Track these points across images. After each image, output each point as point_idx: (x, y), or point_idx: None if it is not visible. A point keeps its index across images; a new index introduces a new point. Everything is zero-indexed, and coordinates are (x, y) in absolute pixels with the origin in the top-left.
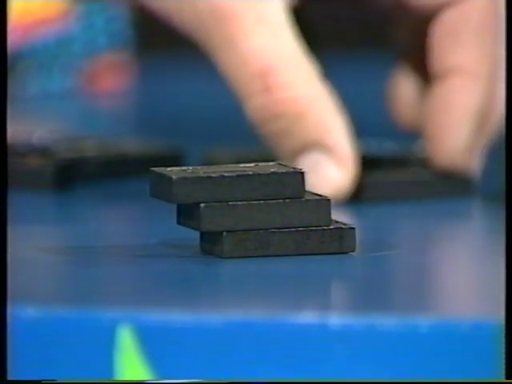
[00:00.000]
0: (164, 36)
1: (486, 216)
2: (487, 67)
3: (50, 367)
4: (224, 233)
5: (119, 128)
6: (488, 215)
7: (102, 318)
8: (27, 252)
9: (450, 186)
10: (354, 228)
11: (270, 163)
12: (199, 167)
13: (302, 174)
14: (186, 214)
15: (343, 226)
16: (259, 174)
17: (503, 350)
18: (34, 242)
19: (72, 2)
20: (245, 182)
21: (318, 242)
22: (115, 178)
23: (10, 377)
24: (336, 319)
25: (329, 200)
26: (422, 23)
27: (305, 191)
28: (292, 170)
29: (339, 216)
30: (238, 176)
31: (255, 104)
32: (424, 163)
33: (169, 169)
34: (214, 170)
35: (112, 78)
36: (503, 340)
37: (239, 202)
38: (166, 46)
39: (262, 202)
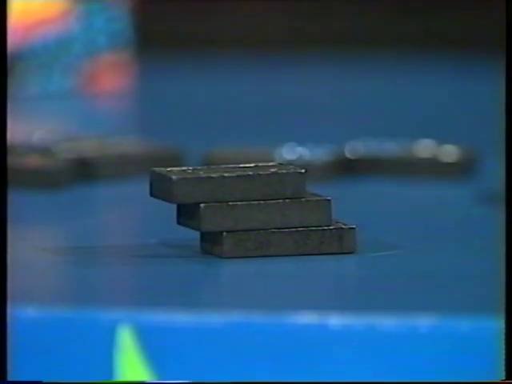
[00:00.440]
0: (164, 36)
1: (486, 216)
2: None
3: (50, 367)
4: (224, 233)
5: (119, 128)
6: (488, 215)
7: (102, 318)
8: (27, 252)
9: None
10: (354, 228)
11: (270, 163)
12: (199, 167)
13: (302, 173)
14: (186, 214)
15: (343, 226)
16: (259, 174)
17: (503, 350)
18: (34, 241)
19: (72, 2)
20: (245, 182)
21: (317, 242)
22: (115, 178)
23: (10, 377)
24: (336, 319)
25: (329, 200)
26: None
27: (305, 191)
28: (292, 170)
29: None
30: (238, 176)
31: None
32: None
33: (169, 169)
34: (214, 170)
35: (112, 78)
36: (503, 340)
37: (239, 202)
38: (166, 46)
39: (262, 202)
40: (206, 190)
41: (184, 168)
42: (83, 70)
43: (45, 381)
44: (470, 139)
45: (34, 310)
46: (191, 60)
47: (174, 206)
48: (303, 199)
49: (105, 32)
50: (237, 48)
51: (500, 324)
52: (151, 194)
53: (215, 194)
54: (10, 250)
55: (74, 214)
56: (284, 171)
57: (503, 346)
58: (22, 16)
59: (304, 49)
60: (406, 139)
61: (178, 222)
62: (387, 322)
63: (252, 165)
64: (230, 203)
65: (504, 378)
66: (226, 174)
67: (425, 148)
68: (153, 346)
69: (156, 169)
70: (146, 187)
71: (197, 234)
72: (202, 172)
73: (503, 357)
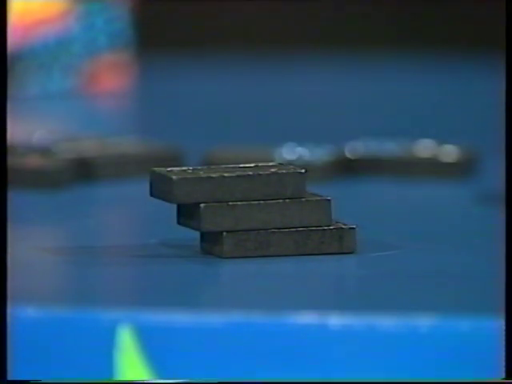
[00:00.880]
0: (164, 36)
1: (486, 216)
2: None
3: (50, 367)
4: (224, 233)
5: (119, 128)
6: (488, 215)
7: (101, 318)
8: (27, 252)
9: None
10: (354, 228)
11: (270, 163)
12: (199, 167)
13: (302, 173)
14: (186, 214)
15: (343, 226)
16: (259, 174)
17: (503, 350)
18: (34, 241)
19: (72, 2)
20: (245, 182)
21: (317, 242)
22: (115, 178)
23: (10, 377)
24: (336, 319)
25: (329, 200)
26: None
27: (305, 191)
28: (292, 170)
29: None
30: (238, 176)
31: None
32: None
33: (169, 169)
34: (214, 170)
35: (112, 78)
36: (503, 340)
37: (239, 202)
38: (166, 46)
39: (262, 202)
40: (205, 190)
41: (184, 168)
42: (83, 70)
43: (45, 380)
44: (470, 139)
45: (34, 310)
46: (191, 60)
47: (174, 206)
48: (303, 199)
49: (105, 32)
50: (237, 48)
51: (500, 324)
52: (151, 194)
53: (215, 194)
54: (10, 250)
55: (74, 213)
56: (284, 171)
57: (503, 346)
58: (22, 16)
59: (304, 49)
60: (406, 139)
61: (178, 222)
62: (387, 322)
63: (252, 165)
64: (230, 203)
65: (504, 378)
66: (226, 174)
67: (425, 148)
68: (153, 345)
69: (156, 169)
70: (145, 187)
71: (197, 234)
72: (201, 172)
73: (503, 356)
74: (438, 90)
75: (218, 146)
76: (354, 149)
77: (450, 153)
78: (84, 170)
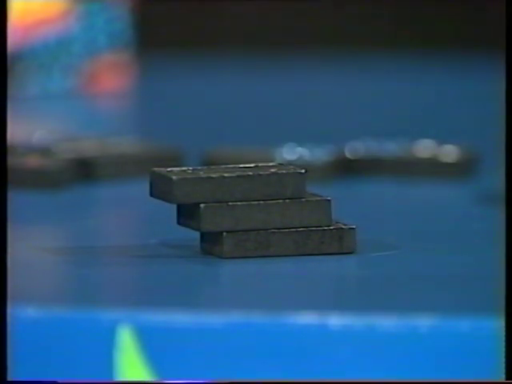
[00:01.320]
0: (164, 36)
1: (486, 216)
2: None
3: (50, 367)
4: (224, 233)
5: (119, 128)
6: (488, 215)
7: (101, 318)
8: (27, 252)
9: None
10: (354, 228)
11: (270, 163)
12: (199, 167)
13: (302, 174)
14: (186, 214)
15: (343, 227)
16: (259, 175)
17: (503, 350)
18: (34, 241)
19: (72, 2)
20: (245, 183)
21: (317, 242)
22: (115, 178)
23: (10, 377)
24: (336, 319)
25: (329, 200)
26: None
27: (305, 191)
28: (292, 170)
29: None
30: (238, 176)
31: None
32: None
33: (169, 169)
34: (214, 171)
35: (112, 78)
36: (503, 340)
37: (239, 203)
38: (166, 46)
39: (261, 202)
40: (206, 190)
41: (184, 168)
42: (83, 70)
43: (45, 381)
44: (470, 139)
45: (34, 310)
46: (191, 60)
47: (174, 206)
48: (303, 199)
49: (105, 32)
50: (237, 48)
51: (500, 324)
52: (151, 194)
53: (215, 194)
54: (10, 250)
55: (74, 213)
56: (284, 171)
57: (503, 346)
58: (22, 16)
59: (304, 49)
60: (406, 139)
61: (178, 222)
62: (387, 322)
63: (252, 165)
64: (230, 203)
65: (504, 378)
66: (225, 174)
67: (425, 148)
68: (153, 345)
69: (156, 169)
70: (146, 187)
71: (197, 234)
72: (201, 172)
73: (503, 357)
74: (437, 90)
75: (218, 146)
76: (354, 149)
77: (450, 153)
78: (84, 170)
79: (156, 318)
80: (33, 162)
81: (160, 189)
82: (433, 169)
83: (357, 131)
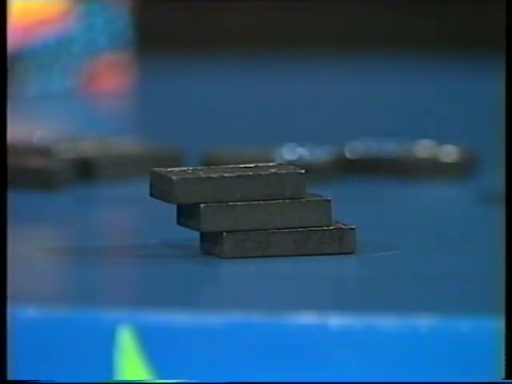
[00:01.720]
0: (164, 36)
1: (486, 216)
2: None
3: (50, 367)
4: (224, 233)
5: (119, 128)
6: (488, 215)
7: (101, 318)
8: (27, 252)
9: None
10: (354, 228)
11: (270, 163)
12: (199, 167)
13: (302, 174)
14: (186, 214)
15: (343, 227)
16: (259, 175)
17: (503, 350)
18: (34, 241)
19: (72, 2)
20: (245, 183)
21: (317, 242)
22: (115, 178)
23: (10, 377)
24: (336, 319)
25: (329, 200)
26: None
27: (305, 191)
28: (292, 170)
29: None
30: (238, 176)
31: None
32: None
33: (169, 169)
34: (214, 171)
35: (112, 78)
36: (503, 340)
37: (239, 203)
38: (166, 46)
39: (261, 202)
40: (206, 190)
41: (184, 168)
42: (83, 70)
43: (44, 381)
44: (470, 139)
45: (34, 310)
46: (191, 60)
47: (174, 206)
48: (303, 199)
49: (105, 32)
50: (237, 48)
51: (500, 324)
52: (151, 195)
53: (215, 194)
54: (10, 249)
55: (74, 213)
56: (284, 171)
57: (503, 346)
58: (22, 16)
59: (304, 49)
60: (406, 139)
61: (178, 223)
62: (387, 322)
63: (252, 165)
64: (230, 203)
65: (504, 378)
66: (226, 174)
67: (425, 148)
68: (153, 345)
69: (156, 169)
70: (146, 187)
71: (197, 234)
72: (201, 172)
73: (503, 357)
74: (437, 90)
75: (218, 146)
76: (354, 149)
77: (450, 153)
78: (84, 170)
79: (156, 318)
80: (33, 161)
81: (160, 189)
82: (433, 169)
83: (357, 131)
